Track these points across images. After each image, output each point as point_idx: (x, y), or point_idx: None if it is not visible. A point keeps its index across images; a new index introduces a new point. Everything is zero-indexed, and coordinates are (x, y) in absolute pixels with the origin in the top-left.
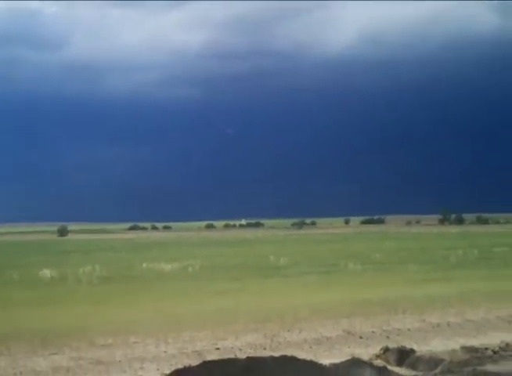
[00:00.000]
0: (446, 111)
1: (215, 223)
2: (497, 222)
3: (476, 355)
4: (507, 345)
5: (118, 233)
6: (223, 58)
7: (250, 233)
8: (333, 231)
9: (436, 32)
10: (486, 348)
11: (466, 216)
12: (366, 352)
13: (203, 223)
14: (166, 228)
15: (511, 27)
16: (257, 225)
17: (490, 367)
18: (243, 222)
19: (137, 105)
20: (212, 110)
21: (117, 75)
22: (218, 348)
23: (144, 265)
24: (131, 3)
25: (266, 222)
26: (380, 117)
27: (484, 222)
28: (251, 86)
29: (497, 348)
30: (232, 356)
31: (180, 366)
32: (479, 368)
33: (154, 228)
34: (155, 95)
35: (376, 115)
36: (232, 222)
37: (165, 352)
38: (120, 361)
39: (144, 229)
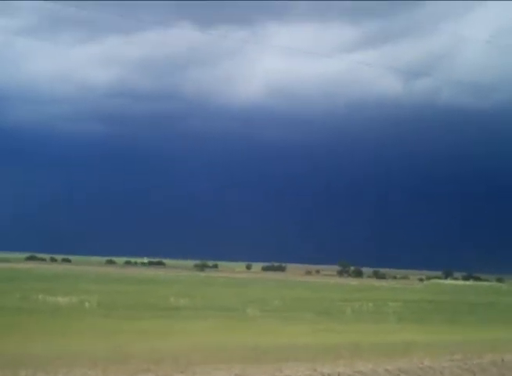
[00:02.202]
0: (348, 166)
1: (116, 259)
2: (394, 277)
3: None
4: None
5: (15, 262)
6: (131, 97)
7: (151, 272)
8: (234, 275)
9: (342, 91)
10: None
11: (365, 269)
12: None
13: (104, 258)
14: (65, 260)
15: (410, 93)
16: (159, 264)
17: None
18: (145, 260)
19: (41, 137)
20: (116, 146)
21: (23, 106)
22: None
23: (40, 297)
24: (42, 33)
25: (168, 261)
26: (282, 168)
27: (382, 276)
28: (157, 127)
29: None
30: None
31: None
32: None
33: (53, 260)
34: (61, 129)
35: (279, 166)
36: (133, 259)
37: None
38: None
39: (42, 260)
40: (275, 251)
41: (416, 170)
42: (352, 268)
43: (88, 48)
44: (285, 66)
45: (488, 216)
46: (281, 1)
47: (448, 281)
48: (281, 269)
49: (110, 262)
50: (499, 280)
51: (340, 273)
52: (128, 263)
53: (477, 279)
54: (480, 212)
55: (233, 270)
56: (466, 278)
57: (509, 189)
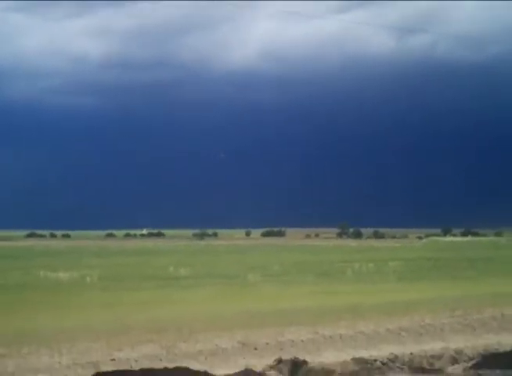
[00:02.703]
0: (345, 126)
1: (116, 232)
2: (393, 237)
3: (365, 366)
4: (396, 356)
5: (15, 240)
6: (125, 68)
7: (150, 243)
8: (234, 242)
9: (335, 51)
10: (375, 360)
11: (364, 230)
12: (260, 363)
13: (103, 232)
14: (65, 236)
15: (405, 49)
16: (159, 235)
17: None
18: (144, 231)
19: (34, 111)
20: (111, 118)
21: (15, 80)
22: (113, 360)
23: (41, 273)
24: (32, 7)
25: (168, 232)
26: (279, 131)
27: (381, 236)
28: (152, 97)
29: (386, 360)
30: (127, 367)
31: None
32: None
33: (53, 236)
34: (53, 102)
35: (275, 130)
36: (132, 232)
37: (59, 363)
38: (13, 372)
39: (42, 236)
40: (273, 216)
41: (413, 127)
42: (351, 229)
43: (79, 20)
44: (278, 29)
45: (485, 170)
46: None
47: (447, 238)
48: (280, 234)
49: (110, 236)
50: (498, 234)
51: (340, 235)
52: (127, 236)
53: (476, 234)
54: (477, 167)
55: (233, 237)
56: (464, 234)
57: (505, 142)
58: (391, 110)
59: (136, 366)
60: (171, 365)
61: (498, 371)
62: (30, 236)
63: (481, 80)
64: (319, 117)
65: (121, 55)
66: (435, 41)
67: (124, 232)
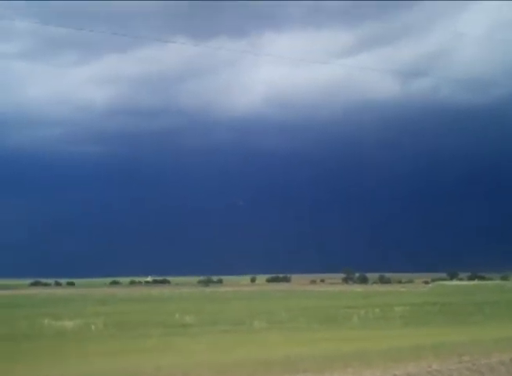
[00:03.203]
0: (350, 171)
1: (120, 280)
2: (399, 282)
3: None
4: None
5: (20, 288)
6: (130, 115)
7: (156, 290)
8: (239, 289)
9: (339, 96)
10: None
11: (370, 275)
12: None
13: (108, 280)
14: (70, 284)
15: (408, 94)
16: (164, 282)
17: None
18: (149, 278)
19: (41, 160)
20: (116, 166)
21: (22, 129)
22: None
23: (45, 321)
24: (37, 55)
25: (173, 279)
26: (283, 177)
27: (387, 281)
28: (157, 144)
29: None
30: None
31: None
32: None
33: (58, 284)
34: (58, 150)
35: (279, 175)
36: (137, 279)
37: None
38: None
39: (47, 285)
40: (279, 262)
41: (418, 172)
42: (357, 274)
43: (84, 68)
44: (281, 74)
45: (490, 215)
46: (275, 10)
47: (454, 282)
48: (286, 280)
49: (115, 283)
50: (504, 278)
51: (345, 281)
52: (132, 283)
53: (482, 278)
54: (482, 211)
55: (238, 284)
56: (471, 278)
57: (510, 186)
58: (396, 155)
59: None
60: None
61: None
62: (34, 284)
63: (484, 122)
64: (323, 163)
65: (126, 102)
66: (438, 84)
67: (129, 279)
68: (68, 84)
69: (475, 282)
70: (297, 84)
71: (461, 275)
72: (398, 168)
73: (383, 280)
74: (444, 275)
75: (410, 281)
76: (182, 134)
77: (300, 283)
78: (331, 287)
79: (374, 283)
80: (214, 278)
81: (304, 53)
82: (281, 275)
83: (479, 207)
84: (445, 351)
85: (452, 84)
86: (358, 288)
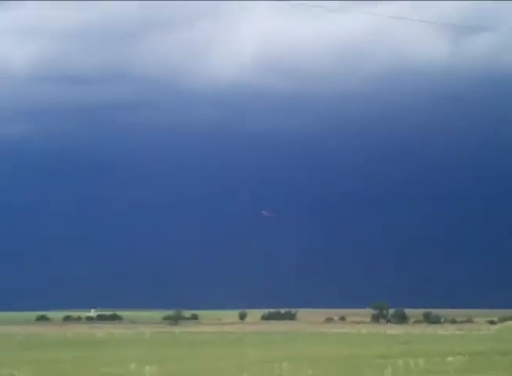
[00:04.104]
0: (377, 167)
1: (51, 314)
2: (453, 321)
3: None
4: None
5: None
6: (63, 82)
7: (102, 330)
8: (222, 329)
9: (363, 59)
10: None
11: (410, 312)
12: None
13: (34, 314)
14: None
15: (462, 57)
16: (114, 318)
17: None
18: (92, 313)
19: None
20: (48, 154)
21: None
22: None
23: None
24: None
25: (126, 313)
26: (282, 171)
27: (435, 320)
28: (104, 122)
29: None
30: None
31: None
32: None
33: None
34: None
35: (277, 168)
36: (75, 313)
37: None
38: None
39: None
40: (280, 291)
41: (479, 170)
42: (392, 310)
43: (3, 15)
44: (280, 27)
45: None
46: None
47: None
48: (290, 316)
49: (43, 319)
50: None
51: (376, 319)
52: (67, 319)
53: None
54: None
55: (221, 321)
56: None
57: None
58: (446, 144)
59: None
60: None
61: None
62: None
63: None
64: (339, 154)
65: (58, 63)
66: (505, 43)
67: (63, 313)
68: None
69: None
70: (302, 42)
71: None
72: (449, 164)
73: (429, 319)
74: None
75: (469, 320)
76: (138, 110)
77: (310, 321)
78: (355, 328)
79: (417, 322)
80: (187, 313)
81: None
82: (283, 310)
83: None
84: None
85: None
86: (394, 330)
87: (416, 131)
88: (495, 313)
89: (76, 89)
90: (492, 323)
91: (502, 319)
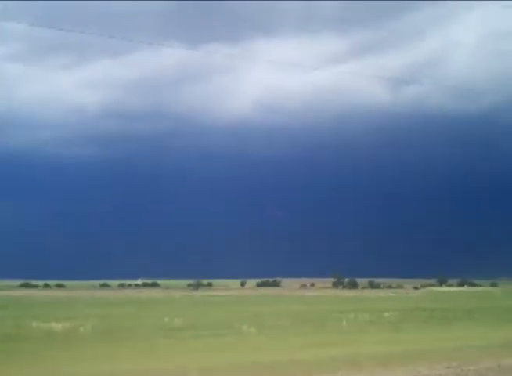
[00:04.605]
0: (339, 177)
1: (110, 282)
2: (389, 287)
3: None
4: None
5: (9, 290)
6: (122, 119)
7: (145, 293)
8: (229, 293)
9: (330, 103)
10: None
11: (360, 280)
12: None
13: (98, 282)
14: (59, 286)
15: (399, 102)
16: (154, 285)
17: None
18: (139, 281)
19: (34, 162)
20: (108, 169)
21: (15, 131)
22: None
23: (34, 323)
24: (32, 58)
25: (162, 282)
26: (274, 182)
27: (377, 286)
28: (149, 147)
29: None
30: None
31: None
32: None
33: (47, 286)
34: (53, 153)
35: (270, 180)
36: (127, 282)
37: None
38: None
39: (36, 286)
40: (269, 266)
41: (407, 178)
42: (347, 279)
43: (79, 71)
44: (273, 80)
45: (481, 221)
46: (268, 16)
47: (443, 288)
48: (276, 284)
49: (105, 286)
50: (494, 285)
51: (335, 285)
52: (122, 286)
53: (472, 284)
54: (472, 218)
55: (228, 288)
56: (460, 284)
57: (499, 192)
58: (385, 161)
59: None
60: None
61: None
62: (23, 285)
63: (474, 131)
64: (314, 168)
65: (118, 106)
66: (430, 92)
67: (118, 282)
68: (62, 87)
69: (464, 288)
70: (288, 90)
71: (450, 281)
72: (387, 174)
73: (372, 285)
74: (433, 281)
75: (400, 287)
76: (174, 138)
77: (290, 287)
78: (321, 292)
79: (364, 288)
80: (204, 281)
81: (296, 59)
82: (271, 279)
83: (469, 214)
84: (434, 356)
85: (443, 92)
86: (348, 293)
87: (363, 152)
88: (419, 282)
89: (131, 124)
90: (416, 288)
91: (423, 286)
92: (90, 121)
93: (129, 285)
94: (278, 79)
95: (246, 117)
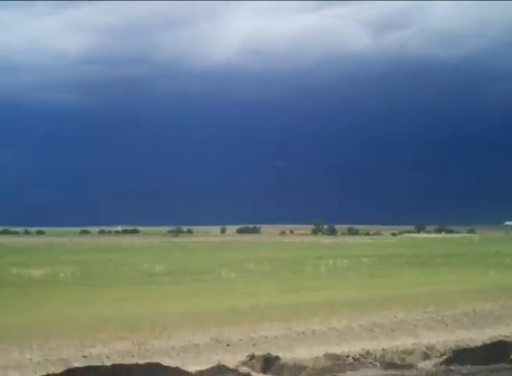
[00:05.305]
0: (323, 123)
1: (90, 229)
2: (367, 234)
3: (337, 362)
4: (368, 352)
5: None
6: (104, 64)
7: (125, 240)
8: (209, 239)
9: (313, 47)
10: (348, 356)
11: (339, 227)
12: (233, 359)
13: (78, 229)
14: (39, 233)
15: (381, 48)
16: (134, 231)
17: (350, 374)
18: (119, 228)
19: (14, 107)
20: (88, 115)
21: None
22: (85, 356)
23: (14, 270)
24: (13, 3)
25: (142, 228)
26: (260, 127)
27: (355, 233)
28: (132, 93)
29: (358, 356)
30: (99, 363)
31: (44, 373)
32: (338, 375)
33: (27, 232)
34: (33, 98)
35: (256, 126)
36: (107, 229)
37: (30, 359)
38: None
39: (16, 233)
40: (249, 213)
41: (385, 125)
42: (326, 226)
43: (58, 16)
44: (257, 24)
45: (458, 169)
46: None
47: (421, 235)
48: (255, 230)
49: (85, 232)
50: (471, 231)
51: (314, 232)
52: (102, 232)
53: (449, 231)
54: (450, 166)
55: (208, 234)
56: (438, 231)
57: (476, 139)
58: (365, 107)
59: (108, 363)
60: (142, 361)
61: (468, 367)
62: (3, 232)
63: (454, 76)
64: (296, 113)
65: (102, 51)
66: (411, 37)
67: (98, 228)
68: (41, 32)
69: (442, 235)
70: (273, 35)
71: (428, 228)
72: (367, 120)
73: (351, 232)
74: (411, 227)
75: (378, 233)
76: (157, 83)
77: (269, 233)
78: (300, 238)
79: (343, 234)
80: (184, 228)
81: (281, 3)
82: (251, 225)
83: (447, 161)
84: (411, 302)
85: (425, 37)
86: (327, 239)
87: (345, 96)
88: (397, 228)
89: (113, 69)
90: (394, 235)
91: (401, 233)
92: (72, 67)
93: (109, 232)
94: (262, 23)
95: (230, 62)
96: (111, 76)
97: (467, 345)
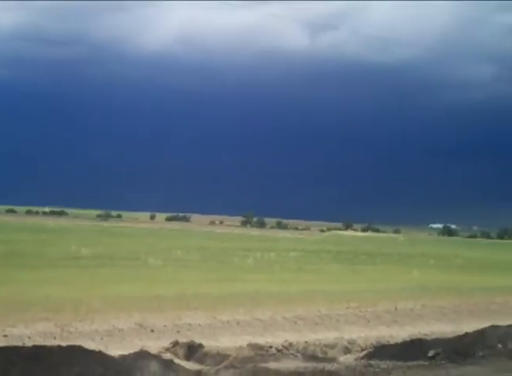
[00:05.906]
0: (254, 117)
1: (17, 208)
2: (296, 228)
3: (260, 352)
4: (290, 344)
5: None
6: (37, 41)
7: (52, 221)
8: (138, 225)
9: (251, 42)
10: (270, 347)
11: (268, 220)
12: (156, 345)
13: (4, 207)
14: None
15: (318, 48)
16: (61, 213)
17: (272, 364)
18: (47, 209)
19: None
20: (18, 91)
21: None
22: (5, 336)
23: None
24: None
25: (71, 211)
26: (189, 116)
27: (284, 227)
28: (64, 72)
29: (281, 347)
30: (20, 344)
31: None
32: (261, 365)
33: None
34: None
35: (185, 114)
36: (34, 209)
37: None
38: None
39: None
40: (179, 201)
41: (318, 123)
42: (255, 219)
43: None
44: (196, 16)
45: (386, 168)
46: None
47: (348, 232)
48: (185, 219)
49: (11, 211)
50: (397, 232)
51: (244, 224)
52: (29, 212)
53: (376, 230)
54: (379, 164)
55: (137, 220)
56: (365, 229)
57: (409, 141)
58: (302, 103)
59: (29, 343)
60: (65, 343)
61: (388, 362)
62: None
63: (385, 80)
64: (231, 104)
65: (36, 28)
66: (346, 40)
67: (25, 208)
68: None
69: (368, 233)
70: (212, 27)
71: (355, 226)
72: (299, 118)
73: (280, 226)
74: (339, 225)
75: (307, 228)
76: (91, 65)
77: (199, 223)
78: (229, 229)
79: (272, 227)
80: (114, 213)
81: None
82: (181, 214)
83: (376, 159)
84: (335, 297)
85: (359, 40)
86: (256, 232)
87: (280, 93)
88: (325, 225)
89: (46, 47)
90: (322, 231)
91: (329, 229)
92: (2, 42)
93: (36, 212)
94: (201, 16)
95: (167, 50)
96: (44, 54)
97: (388, 341)
